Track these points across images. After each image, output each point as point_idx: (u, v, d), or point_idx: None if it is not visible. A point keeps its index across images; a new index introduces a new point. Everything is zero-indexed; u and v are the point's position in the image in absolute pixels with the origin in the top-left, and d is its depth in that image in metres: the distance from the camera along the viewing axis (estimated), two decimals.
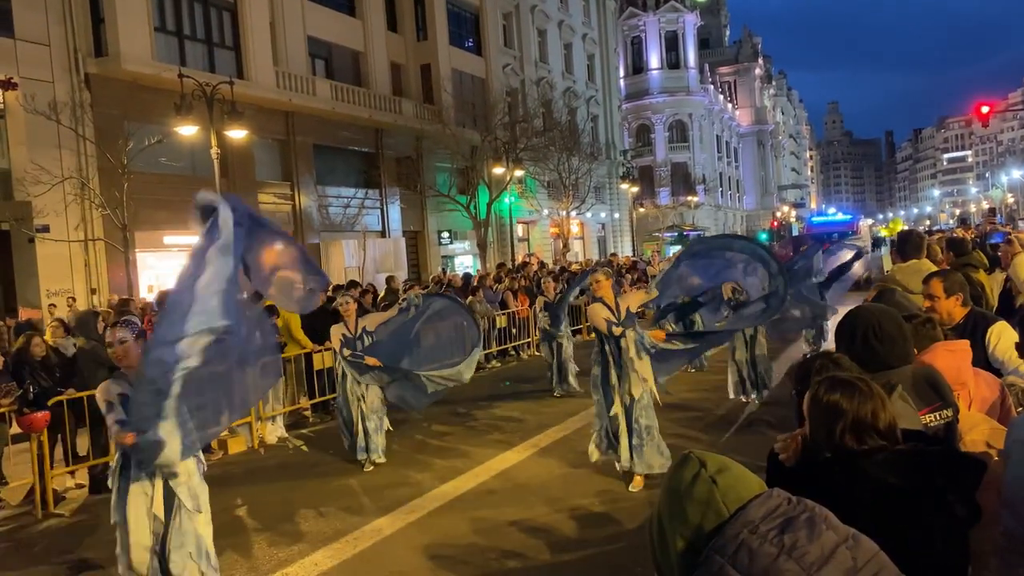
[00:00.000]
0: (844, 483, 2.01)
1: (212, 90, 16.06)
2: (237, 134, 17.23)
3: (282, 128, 23.49)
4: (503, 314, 15.46)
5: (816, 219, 40.87)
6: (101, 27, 18.61)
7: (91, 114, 17.74)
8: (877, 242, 34.26)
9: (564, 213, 34.98)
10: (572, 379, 11.41)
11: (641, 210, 53.54)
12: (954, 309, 4.05)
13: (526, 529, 6.01)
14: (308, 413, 10.98)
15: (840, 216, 38.81)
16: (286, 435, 9.93)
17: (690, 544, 1.54)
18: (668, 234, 51.89)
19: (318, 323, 11.04)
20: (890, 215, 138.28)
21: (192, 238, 18.48)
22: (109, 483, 4.63)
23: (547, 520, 6.17)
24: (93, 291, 17.99)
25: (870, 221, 76.85)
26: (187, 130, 16.14)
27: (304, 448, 9.44)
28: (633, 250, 45.72)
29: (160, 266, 20.28)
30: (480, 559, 5.50)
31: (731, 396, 9.74)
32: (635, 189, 45.87)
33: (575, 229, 39.50)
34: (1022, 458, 2.30)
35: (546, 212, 36.86)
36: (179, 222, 19.88)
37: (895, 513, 1.97)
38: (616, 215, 47.41)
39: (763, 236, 38.91)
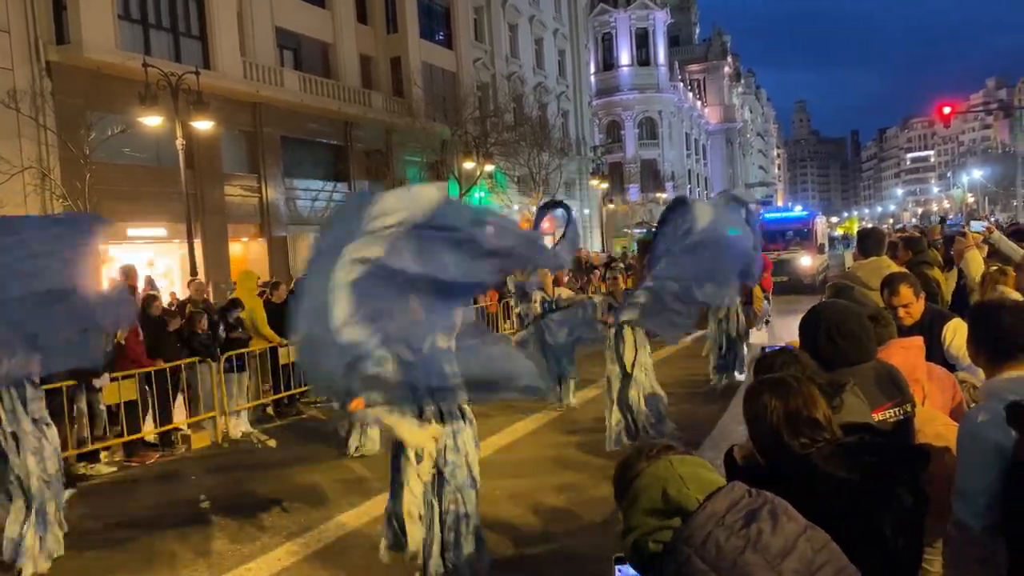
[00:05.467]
0: (796, 478, 2.04)
1: (178, 80, 15.80)
2: (203, 125, 16.97)
3: (249, 119, 23.19)
4: (472, 308, 15.45)
5: (769, 215, 34.88)
6: (63, 14, 18.18)
7: (52, 103, 17.35)
8: (832, 242, 31.41)
9: (534, 208, 34.97)
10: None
11: (611, 206, 53.67)
12: (921, 308, 4.14)
13: (489, 523, 6.00)
14: (271, 409, 10.86)
15: (799, 211, 33.74)
16: (251, 430, 9.83)
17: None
18: (637, 230, 52.18)
19: (286, 316, 10.96)
20: (855, 213, 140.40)
21: (157, 230, 17.95)
22: None
23: (510, 514, 6.19)
24: None
25: (835, 219, 77.54)
26: (152, 120, 15.84)
27: (270, 443, 9.36)
28: (603, 246, 45.88)
29: (124, 258, 19.91)
30: None
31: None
32: (605, 185, 45.99)
33: (545, 224, 39.48)
34: (971, 450, 2.35)
35: (516, 207, 36.82)
36: (143, 214, 19.57)
37: (845, 505, 2.01)
38: (586, 211, 47.51)
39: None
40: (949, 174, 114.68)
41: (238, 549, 5.86)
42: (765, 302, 16.46)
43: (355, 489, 7.12)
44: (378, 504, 6.65)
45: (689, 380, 11.28)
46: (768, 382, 2.23)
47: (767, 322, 16.27)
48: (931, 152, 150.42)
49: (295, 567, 5.48)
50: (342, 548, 5.77)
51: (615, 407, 7.82)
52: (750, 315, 13.78)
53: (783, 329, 15.68)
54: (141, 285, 11.24)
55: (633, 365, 7.76)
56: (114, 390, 8.44)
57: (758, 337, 14.61)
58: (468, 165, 28.72)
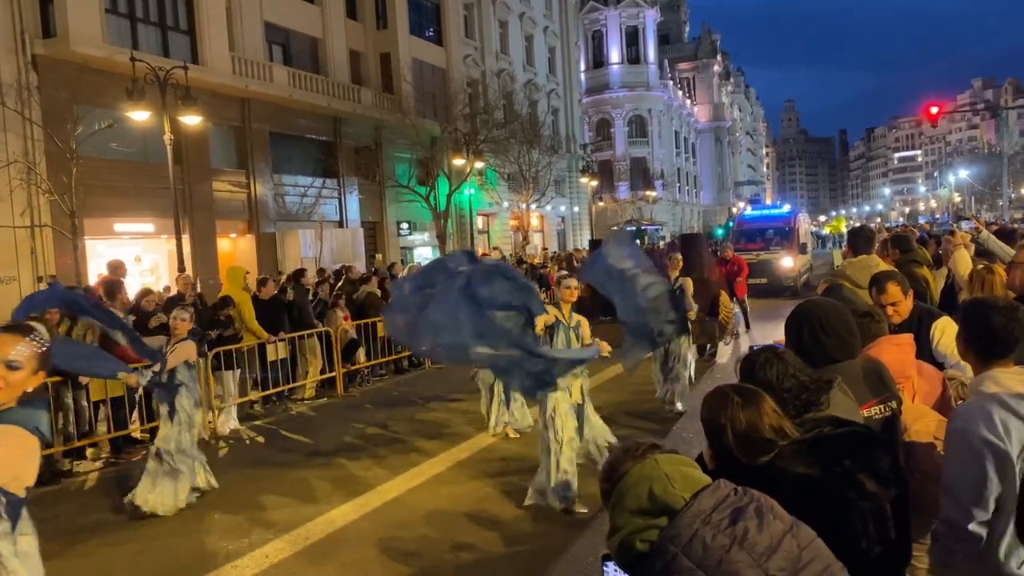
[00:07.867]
0: (764, 480, 2.03)
1: (165, 75, 15.68)
2: (191, 120, 16.85)
3: (238, 115, 23.07)
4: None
5: (749, 212, 32.62)
6: (49, 7, 18.01)
7: (38, 97, 17.21)
8: (823, 240, 29.98)
9: (524, 206, 35.01)
10: None
11: (600, 204, 53.90)
12: (909, 306, 4.15)
13: (480, 521, 6.01)
14: (258, 406, 10.81)
15: (781, 209, 30.97)
16: (239, 426, 9.79)
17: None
18: (627, 228, 52.32)
19: (274, 313, 10.93)
20: (843, 212, 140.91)
21: (144, 226, 17.88)
22: None
23: (502, 511, 6.18)
24: (40, 279, 17.53)
25: (823, 217, 77.69)
26: (139, 115, 15.73)
27: (259, 440, 9.33)
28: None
29: (110, 254, 19.81)
30: (433, 551, 5.49)
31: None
32: (594, 183, 46.10)
33: (535, 222, 39.56)
34: (960, 447, 2.36)
35: (506, 204, 36.84)
36: (130, 209, 19.47)
37: (810, 499, 1.99)
38: (576, 208, 47.61)
39: (719, 231, 38.40)
40: (936, 173, 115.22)
41: (225, 546, 5.83)
42: (737, 310, 14.86)
43: (344, 486, 7.10)
44: (368, 501, 6.65)
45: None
46: (717, 396, 2.19)
47: (736, 335, 14.38)
48: (918, 152, 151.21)
49: (284, 564, 5.46)
50: (331, 545, 5.75)
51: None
52: (713, 329, 12.10)
53: (759, 337, 14.28)
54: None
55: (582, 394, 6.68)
56: (100, 386, 8.38)
57: (727, 352, 13.27)
58: (458, 162, 28.69)
